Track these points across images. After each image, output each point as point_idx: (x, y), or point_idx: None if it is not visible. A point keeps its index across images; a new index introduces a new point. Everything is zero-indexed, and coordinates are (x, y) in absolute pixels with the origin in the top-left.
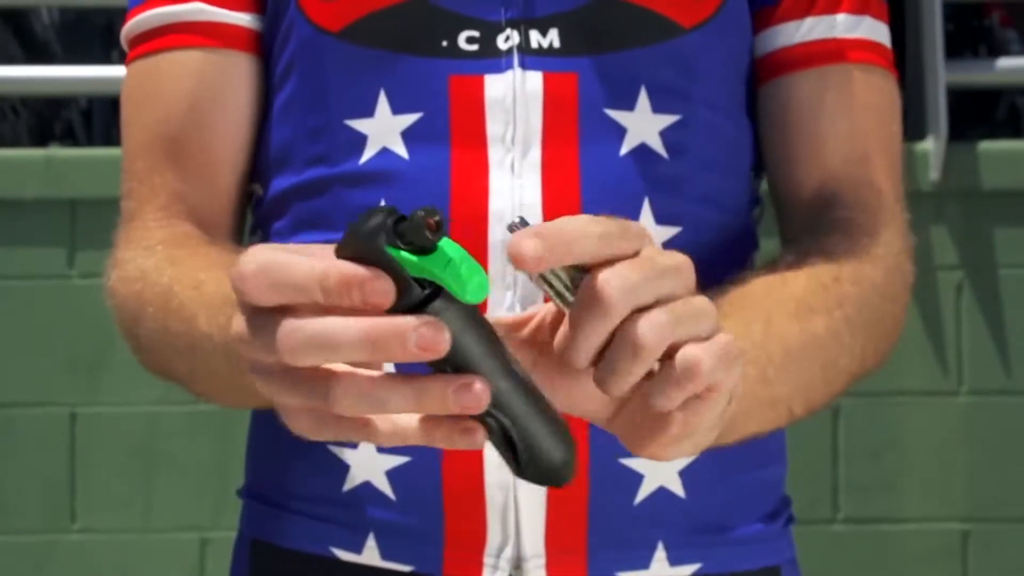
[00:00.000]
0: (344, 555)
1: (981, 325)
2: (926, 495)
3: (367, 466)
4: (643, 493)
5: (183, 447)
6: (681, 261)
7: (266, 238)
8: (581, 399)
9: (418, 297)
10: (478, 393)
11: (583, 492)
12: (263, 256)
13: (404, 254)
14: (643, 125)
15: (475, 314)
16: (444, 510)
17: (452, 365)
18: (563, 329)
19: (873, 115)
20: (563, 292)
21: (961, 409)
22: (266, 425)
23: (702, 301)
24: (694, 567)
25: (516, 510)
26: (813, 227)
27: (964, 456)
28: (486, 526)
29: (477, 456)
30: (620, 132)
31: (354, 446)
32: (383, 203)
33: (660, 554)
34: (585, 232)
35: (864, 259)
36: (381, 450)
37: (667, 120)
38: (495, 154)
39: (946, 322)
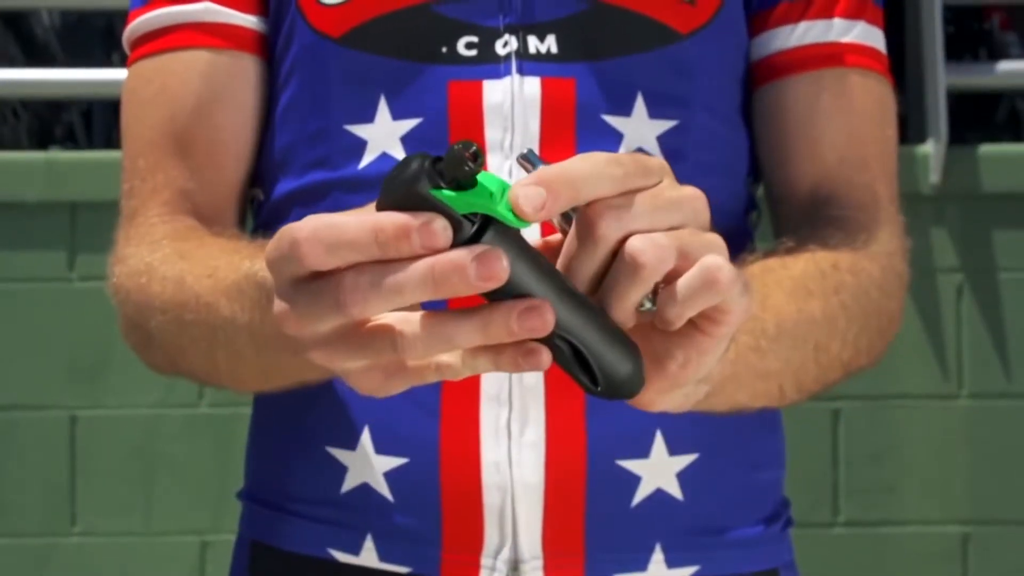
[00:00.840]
0: (342, 557)
1: (981, 328)
2: (926, 498)
3: (365, 468)
4: (640, 495)
5: (183, 450)
6: (690, 193)
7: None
8: None
9: (469, 233)
10: (543, 315)
11: (580, 494)
12: (311, 222)
13: (447, 193)
14: (640, 130)
15: (525, 242)
16: (442, 512)
17: (510, 293)
18: (560, 260)
19: (869, 118)
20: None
21: (961, 412)
22: (266, 427)
23: (713, 236)
24: (692, 569)
25: (513, 512)
26: (810, 222)
27: (964, 459)
28: (483, 528)
29: (474, 457)
30: (617, 137)
31: (352, 447)
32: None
33: (658, 556)
34: (596, 174)
35: (861, 253)
36: (379, 451)
37: (664, 125)
38: (493, 159)
39: (946, 325)
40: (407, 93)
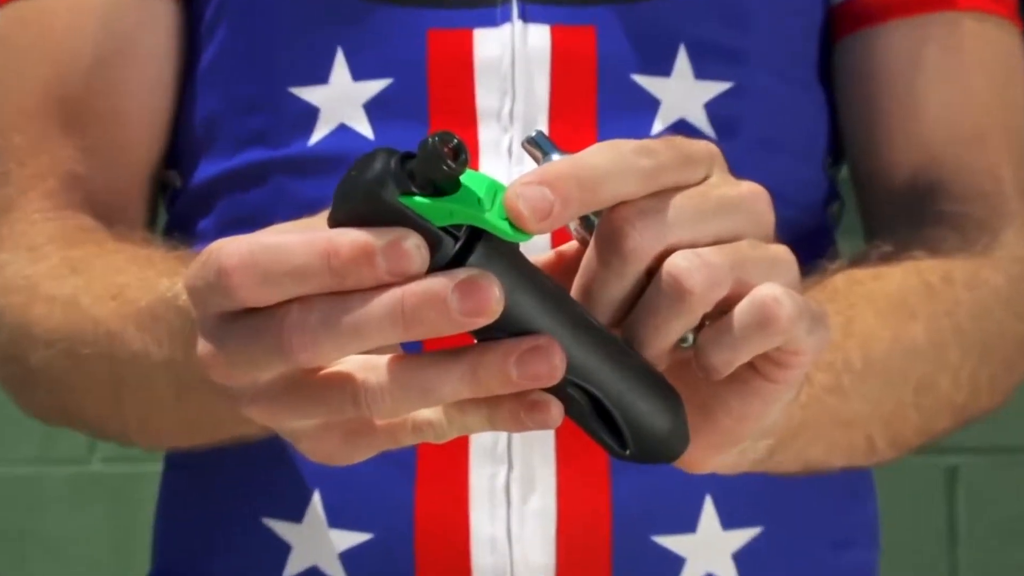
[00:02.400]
0: None
1: None
2: None
3: (315, 546)
4: None
5: (66, 522)
6: (748, 191)
7: (187, 241)
8: None
9: (452, 252)
10: (551, 357)
11: None
12: (243, 244)
13: (421, 200)
14: (683, 95)
15: (524, 260)
16: None
17: (508, 328)
18: (577, 281)
19: (988, 78)
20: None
21: None
22: (181, 492)
23: (779, 250)
24: None
25: None
26: (911, 219)
27: None
28: None
29: (462, 531)
30: (652, 104)
31: (298, 519)
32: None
33: None
34: (622, 166)
35: (981, 261)
36: (334, 524)
37: (714, 88)
38: (488, 133)
39: None
40: (373, 45)
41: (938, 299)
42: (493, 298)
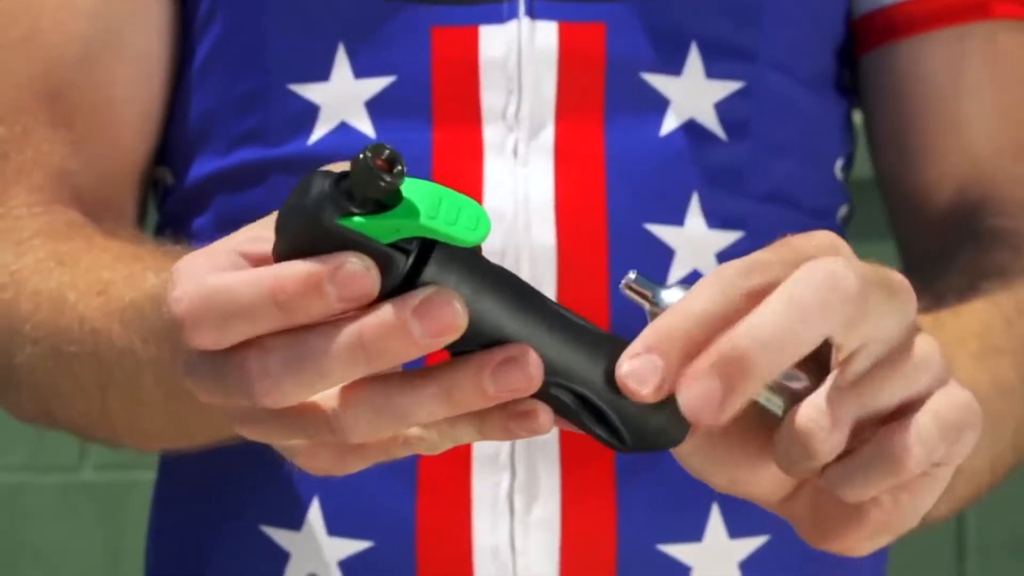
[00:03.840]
0: None
1: None
2: None
3: (313, 554)
4: None
5: (56, 531)
6: (931, 347)
7: (180, 240)
8: (747, 474)
9: (405, 268)
10: (525, 366)
11: None
12: (191, 289)
13: (361, 220)
14: (693, 95)
15: (485, 263)
16: None
17: (481, 340)
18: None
19: None
20: (770, 400)
21: None
22: (176, 499)
23: (963, 399)
24: None
25: None
26: (960, 239)
27: None
28: None
29: (464, 541)
30: (661, 104)
31: (296, 527)
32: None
33: None
34: (796, 331)
35: None
36: (333, 532)
37: (726, 88)
38: (492, 134)
39: None
40: (376, 42)
41: (1015, 333)
42: (455, 314)
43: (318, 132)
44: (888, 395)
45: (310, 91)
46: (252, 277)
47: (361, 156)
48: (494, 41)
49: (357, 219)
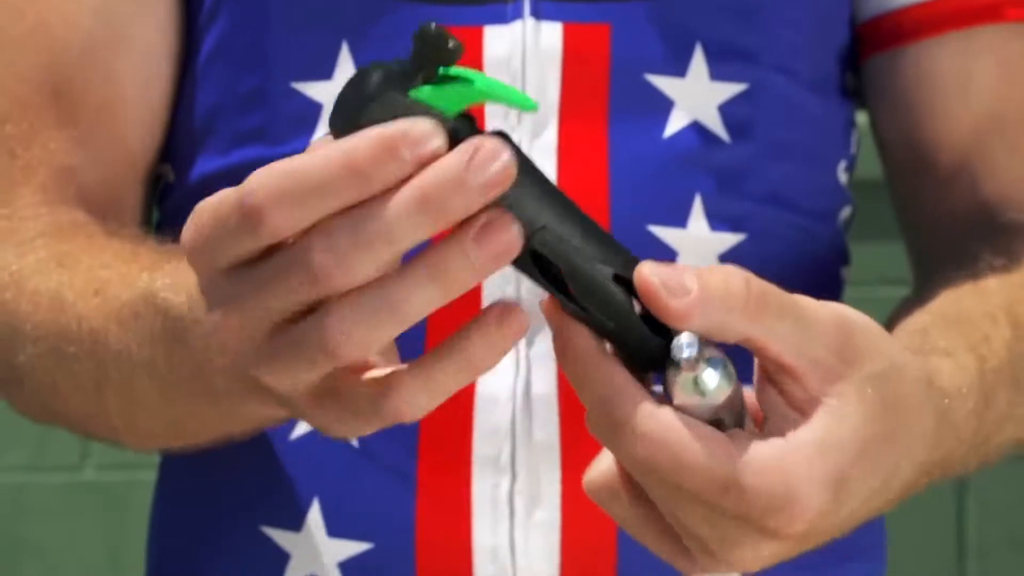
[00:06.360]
0: None
1: None
2: None
3: (313, 555)
4: None
5: (58, 531)
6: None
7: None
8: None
9: (468, 136)
10: (506, 225)
11: None
12: (261, 177)
13: (428, 89)
14: (697, 96)
15: (519, 150)
16: None
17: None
18: None
19: None
20: None
21: None
22: (177, 499)
23: None
24: None
25: None
26: (983, 235)
27: None
28: None
29: (464, 542)
30: (666, 105)
31: (296, 528)
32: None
33: None
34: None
35: None
36: (333, 533)
37: (729, 90)
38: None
39: None
40: (379, 40)
41: None
42: (505, 163)
43: (321, 131)
44: None
45: (313, 89)
46: (322, 154)
47: (422, 28)
48: (498, 41)
49: (425, 89)
